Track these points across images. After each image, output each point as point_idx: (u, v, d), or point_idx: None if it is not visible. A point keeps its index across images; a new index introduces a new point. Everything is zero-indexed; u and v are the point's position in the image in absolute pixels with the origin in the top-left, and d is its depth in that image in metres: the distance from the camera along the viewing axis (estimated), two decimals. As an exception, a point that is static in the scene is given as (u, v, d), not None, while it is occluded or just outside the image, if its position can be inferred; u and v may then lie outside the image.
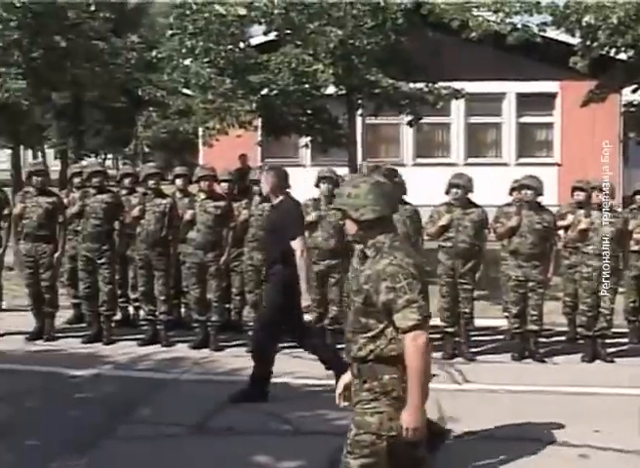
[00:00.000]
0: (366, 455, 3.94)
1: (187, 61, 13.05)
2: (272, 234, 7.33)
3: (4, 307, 10.36)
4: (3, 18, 13.17)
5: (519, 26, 11.72)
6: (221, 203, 9.05)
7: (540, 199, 8.76)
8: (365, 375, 3.95)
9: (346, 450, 4.02)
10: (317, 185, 9.04)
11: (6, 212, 9.54)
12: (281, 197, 7.28)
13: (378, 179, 4.26)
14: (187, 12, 12.50)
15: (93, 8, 15.36)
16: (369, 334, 3.90)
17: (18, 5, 13.26)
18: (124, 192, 9.92)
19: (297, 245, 7.03)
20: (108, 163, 44.23)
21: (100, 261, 9.16)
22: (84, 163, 24.12)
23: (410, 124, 14.34)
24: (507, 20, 11.65)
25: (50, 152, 40.90)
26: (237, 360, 8.50)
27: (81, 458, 5.84)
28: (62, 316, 9.99)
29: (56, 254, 9.30)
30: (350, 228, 4.09)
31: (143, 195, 9.38)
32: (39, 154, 40.61)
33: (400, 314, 3.79)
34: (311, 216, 8.78)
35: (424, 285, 3.91)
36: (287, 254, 7.02)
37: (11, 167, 15.24)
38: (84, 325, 9.84)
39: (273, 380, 7.24)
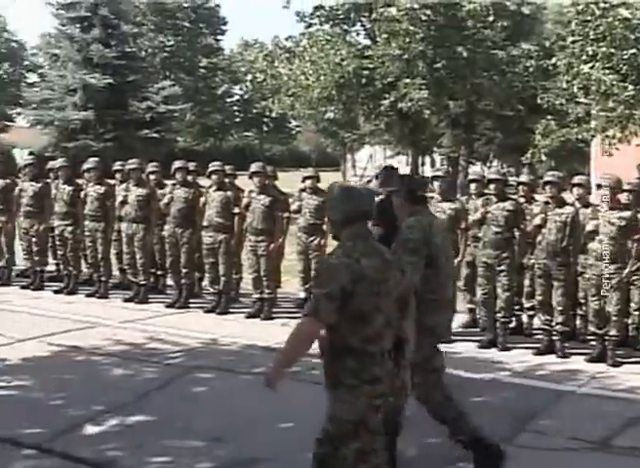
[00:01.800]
0: (350, 442, 4.37)
1: (586, 68, 12.74)
2: None
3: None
4: (410, 31, 13.73)
5: None
6: (626, 214, 8.75)
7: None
8: (325, 366, 4.45)
9: (330, 442, 4.43)
10: None
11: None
12: None
13: (349, 185, 4.86)
14: (589, 17, 12.21)
15: (491, 18, 15.52)
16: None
17: (423, 19, 13.78)
18: (522, 200, 9.93)
19: None
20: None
21: (499, 268, 9.25)
22: (473, 170, 24.56)
23: None
24: None
25: (437, 158, 42.08)
26: (636, 377, 8.19)
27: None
28: (458, 320, 10.18)
29: (456, 260, 9.54)
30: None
31: (545, 204, 9.33)
32: (427, 160, 41.91)
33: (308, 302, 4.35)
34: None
35: (372, 284, 4.26)
36: None
37: (409, 173, 15.90)
38: (477, 329, 10.02)
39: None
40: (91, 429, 6.49)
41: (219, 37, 57.48)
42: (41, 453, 5.86)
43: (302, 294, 11.78)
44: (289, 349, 4.41)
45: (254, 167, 10.87)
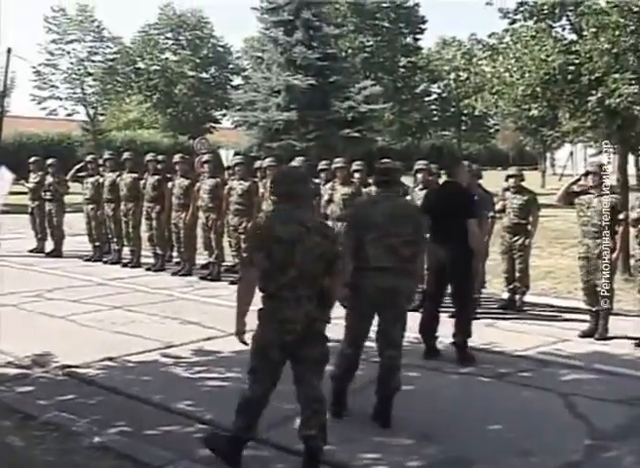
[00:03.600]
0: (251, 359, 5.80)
1: None
2: None
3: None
4: (620, 24, 13.21)
5: None
6: None
7: None
8: None
9: None
10: None
11: (621, 216, 9.65)
12: None
13: (282, 170, 6.88)
14: None
15: None
16: None
17: (635, 10, 13.23)
18: None
19: None
20: None
21: None
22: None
23: None
24: None
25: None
26: None
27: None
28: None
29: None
30: None
31: None
32: (630, 158, 40.31)
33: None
34: None
35: (286, 245, 5.52)
36: None
37: (617, 170, 15.28)
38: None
39: None
40: (302, 422, 6.67)
41: (417, 36, 57.41)
42: (257, 444, 6.07)
43: (506, 295, 11.63)
44: (237, 299, 5.68)
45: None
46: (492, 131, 65.22)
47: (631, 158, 38.49)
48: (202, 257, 14.51)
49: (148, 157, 15.19)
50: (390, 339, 6.79)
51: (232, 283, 13.30)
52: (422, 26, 57.51)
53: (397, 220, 6.73)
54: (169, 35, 57.77)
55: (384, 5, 54.18)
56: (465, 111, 52.05)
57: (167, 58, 56.64)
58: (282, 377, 7.75)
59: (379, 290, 6.70)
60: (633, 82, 13.43)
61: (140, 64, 55.05)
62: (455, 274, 8.63)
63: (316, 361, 5.71)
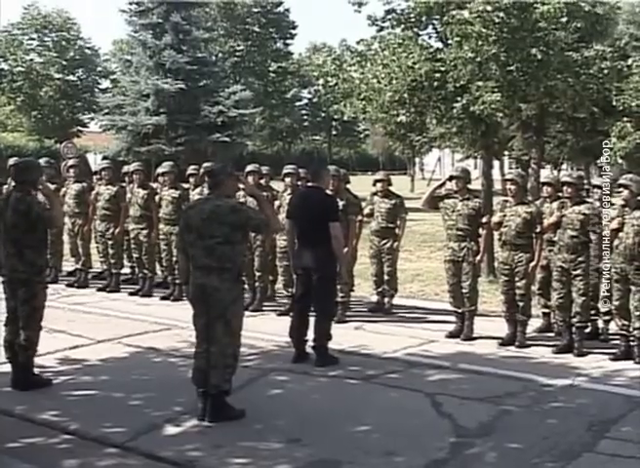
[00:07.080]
0: None
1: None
2: None
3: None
4: (482, 34, 13.59)
5: None
6: None
7: None
8: None
9: None
10: None
11: (484, 220, 9.93)
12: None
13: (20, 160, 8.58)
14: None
15: (565, 19, 15.27)
16: None
17: (496, 21, 13.63)
18: (597, 204, 9.79)
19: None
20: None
21: (575, 272, 9.15)
22: (545, 173, 24.27)
23: None
24: None
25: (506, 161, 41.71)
26: None
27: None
28: (532, 324, 10.10)
29: (531, 264, 9.46)
30: None
31: (622, 207, 9.19)
32: (496, 163, 41.46)
33: None
34: None
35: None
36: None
37: (482, 175, 15.68)
38: (552, 334, 9.95)
39: None
40: (171, 429, 6.59)
41: (288, 41, 57.75)
42: (124, 452, 5.97)
43: (375, 298, 11.80)
44: None
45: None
46: (362, 136, 66.19)
47: (499, 163, 39.74)
48: (69, 264, 14.17)
49: (11, 161, 14.71)
50: (210, 335, 6.85)
51: (100, 290, 13.07)
52: (293, 32, 57.88)
53: (211, 222, 6.87)
54: (34, 36, 56.31)
55: (255, 10, 54.29)
56: (335, 116, 52.60)
57: (32, 60, 55.18)
58: (146, 385, 7.72)
59: (198, 287, 6.95)
60: (496, 90, 13.82)
61: (4, 65, 53.49)
62: (316, 277, 8.71)
63: (22, 300, 7.58)
